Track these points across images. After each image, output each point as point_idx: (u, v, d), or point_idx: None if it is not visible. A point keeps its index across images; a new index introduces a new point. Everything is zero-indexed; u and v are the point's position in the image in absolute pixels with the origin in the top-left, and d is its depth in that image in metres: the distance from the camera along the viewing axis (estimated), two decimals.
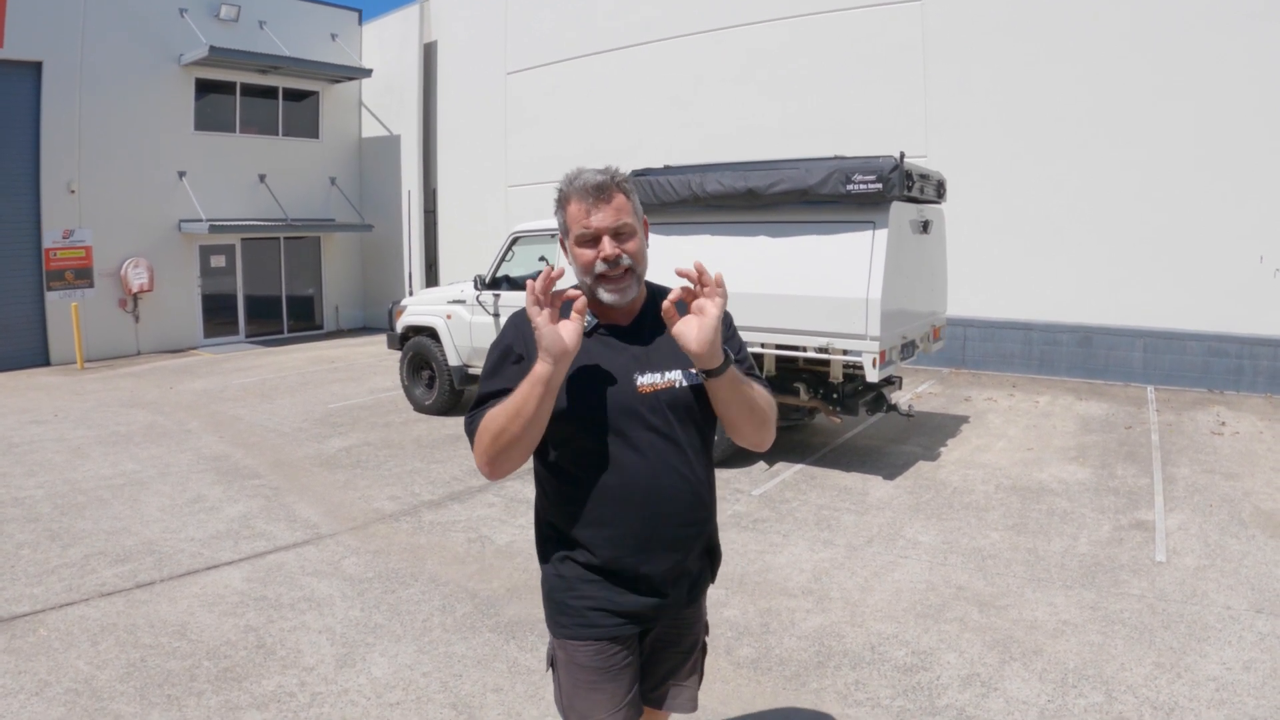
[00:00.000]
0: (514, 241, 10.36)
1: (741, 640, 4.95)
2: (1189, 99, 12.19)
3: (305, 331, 21.56)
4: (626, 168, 9.50)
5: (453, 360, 10.79)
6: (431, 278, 21.61)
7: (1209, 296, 12.27)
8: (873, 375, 7.67)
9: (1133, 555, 6.18)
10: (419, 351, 11.17)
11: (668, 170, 9.20)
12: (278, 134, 20.82)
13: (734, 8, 16.14)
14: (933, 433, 9.87)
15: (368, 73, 21.49)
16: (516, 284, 10.48)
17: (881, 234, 7.60)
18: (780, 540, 6.52)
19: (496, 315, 10.24)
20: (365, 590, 5.70)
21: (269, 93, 20.49)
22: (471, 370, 10.76)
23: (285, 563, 6.21)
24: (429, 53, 21.46)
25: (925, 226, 8.67)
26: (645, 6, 17.34)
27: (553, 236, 9.90)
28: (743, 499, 7.55)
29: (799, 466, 8.57)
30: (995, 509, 7.23)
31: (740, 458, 8.64)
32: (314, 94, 21.46)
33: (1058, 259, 13.36)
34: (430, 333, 11.09)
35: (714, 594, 5.49)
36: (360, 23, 22.49)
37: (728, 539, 6.59)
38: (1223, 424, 10.21)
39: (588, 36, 18.25)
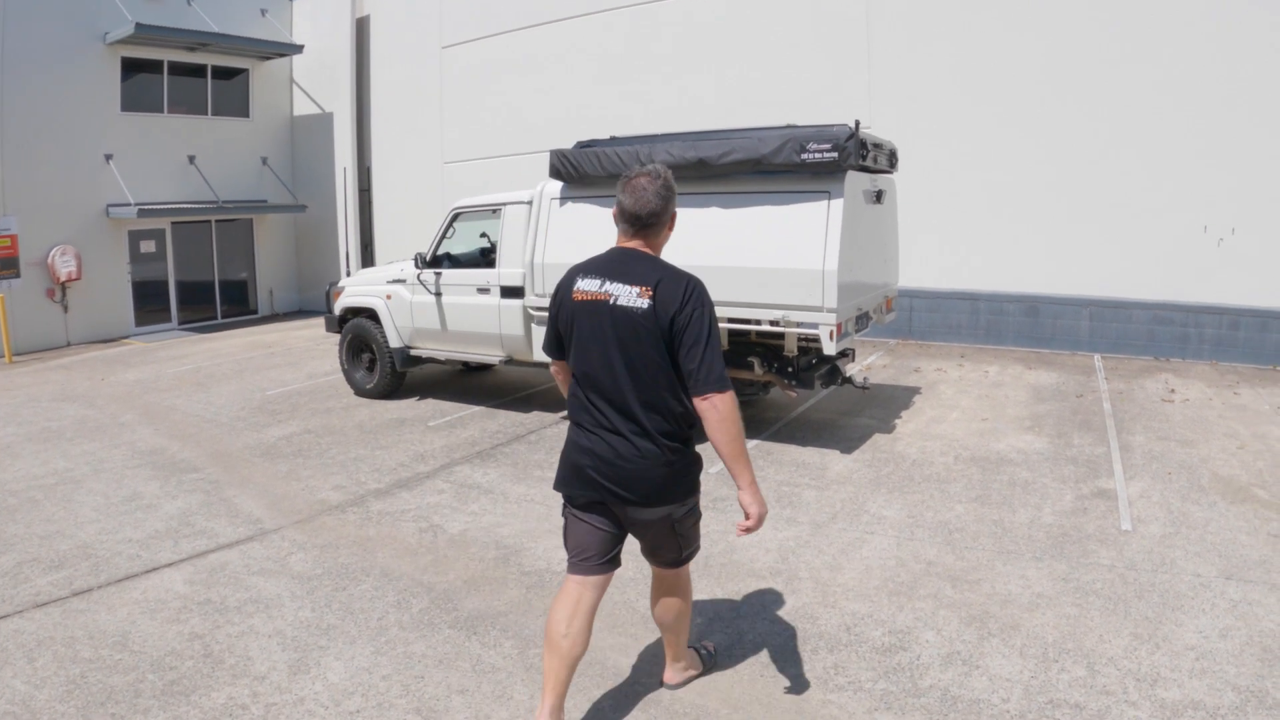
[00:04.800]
0: (454, 218, 10.04)
1: (713, 626, 4.76)
2: (1137, 67, 12.21)
3: (239, 316, 20.96)
4: (567, 141, 9.27)
5: (394, 342, 10.45)
6: (367, 258, 21.13)
7: (1154, 266, 12.36)
8: (830, 348, 7.52)
9: (1099, 525, 6.13)
10: (359, 334, 10.82)
11: (614, 141, 8.95)
12: (207, 113, 20.08)
13: None
14: (886, 405, 9.78)
15: (299, 49, 20.80)
16: (458, 261, 10.18)
17: (837, 204, 7.42)
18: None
19: (438, 294, 9.93)
20: (315, 588, 5.41)
21: (198, 71, 19.75)
22: (414, 351, 10.45)
23: (229, 562, 5.89)
24: (362, 27, 20.89)
25: (879, 196, 8.54)
26: None
27: (494, 212, 9.62)
28: (700, 476, 7.36)
29: (755, 442, 8.41)
30: (957, 481, 7.14)
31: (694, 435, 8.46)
32: (244, 72, 20.75)
33: (1003, 230, 13.37)
34: (370, 314, 10.74)
35: None
36: None
37: None
38: (1172, 391, 10.27)
39: (524, 8, 17.85)
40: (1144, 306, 12.56)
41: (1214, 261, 12.00)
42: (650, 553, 3.78)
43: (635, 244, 3.55)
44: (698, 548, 3.86)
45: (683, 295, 3.33)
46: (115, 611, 5.15)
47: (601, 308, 3.42)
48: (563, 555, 4.63)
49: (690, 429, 3.51)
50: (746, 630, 4.71)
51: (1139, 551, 5.66)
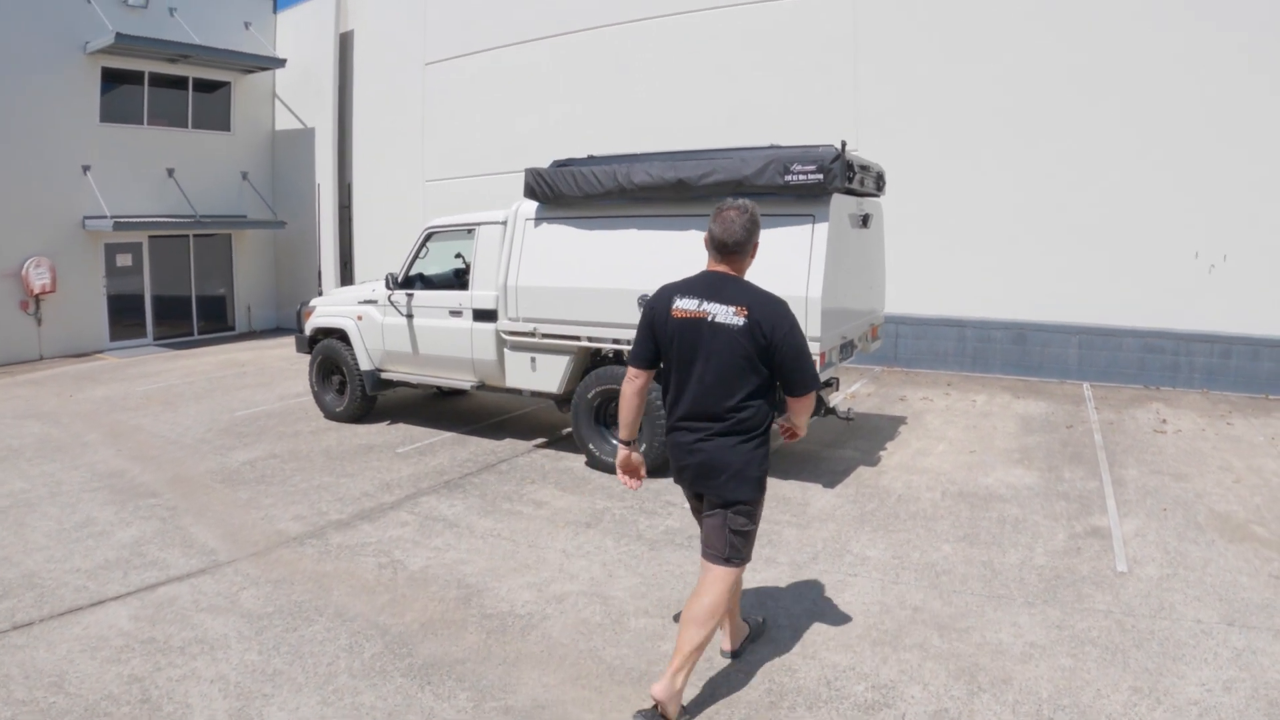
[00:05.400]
0: (428, 237, 9.72)
1: None
2: (1124, 95, 12.08)
3: (216, 333, 20.61)
4: (546, 160, 9.01)
5: (364, 364, 10.13)
6: (347, 276, 20.83)
7: (1144, 292, 12.17)
8: None
9: (1093, 566, 5.85)
10: (329, 355, 10.48)
11: (592, 160, 8.67)
12: (187, 126, 19.78)
13: None
14: (870, 435, 9.51)
15: (281, 63, 20.52)
16: (431, 282, 9.87)
17: (822, 228, 7.15)
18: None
19: (409, 316, 9.61)
20: (264, 629, 5.08)
21: (179, 83, 19.45)
22: (384, 375, 10.12)
23: (178, 596, 5.55)
24: (345, 42, 20.66)
25: (865, 220, 8.28)
26: None
27: (468, 232, 9.31)
28: (675, 512, 7.06)
29: None
30: (944, 518, 6.85)
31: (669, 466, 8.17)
32: (226, 85, 20.47)
33: (991, 255, 13.16)
34: (340, 335, 10.41)
35: (650, 627, 5.03)
36: (275, 10, 21.54)
37: (661, 556, 6.13)
38: (1164, 421, 10.04)
39: (508, 26, 17.66)
40: (1134, 334, 12.35)
41: (1205, 288, 11.82)
42: (705, 542, 4.16)
43: (723, 268, 4.04)
44: (745, 559, 4.16)
45: (777, 318, 3.87)
46: (55, 649, 4.82)
47: (700, 324, 3.94)
48: (526, 597, 4.52)
49: (766, 429, 4.06)
50: (719, 683, 4.40)
51: (1136, 595, 5.38)
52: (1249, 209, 11.46)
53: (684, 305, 4.00)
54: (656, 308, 4.11)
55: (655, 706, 3.91)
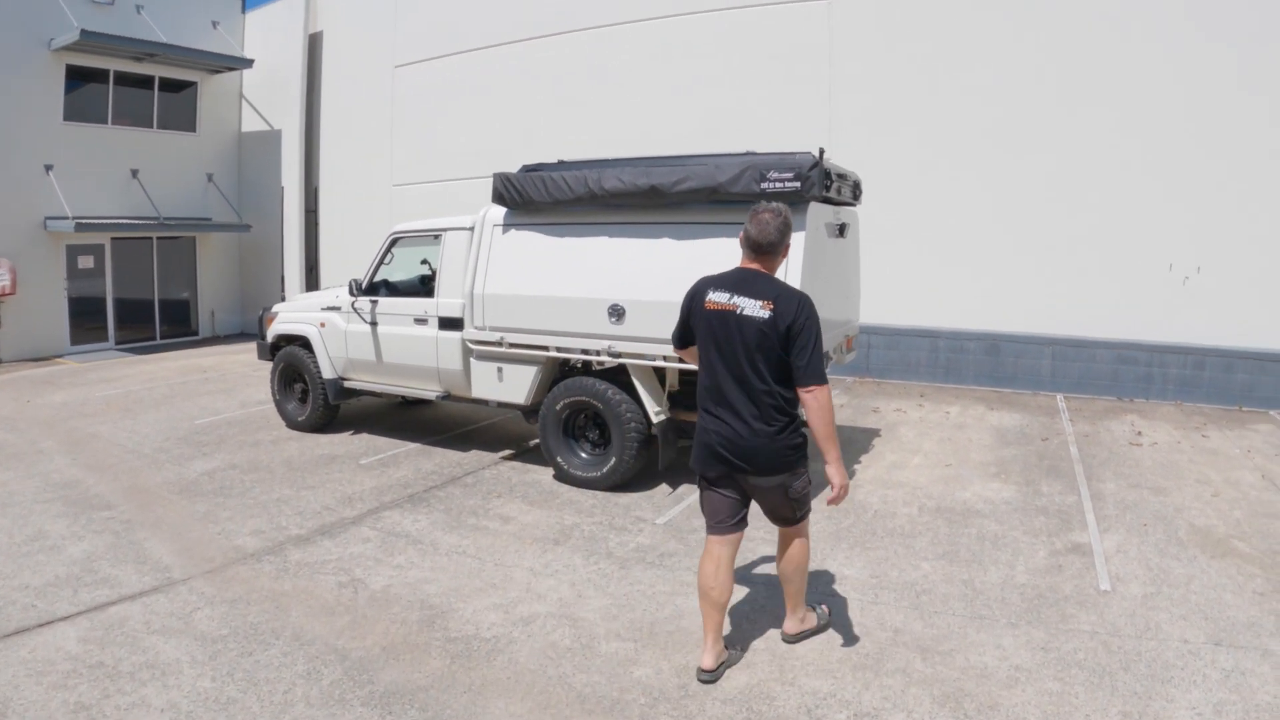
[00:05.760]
0: (393, 243, 9.45)
1: (657, 708, 4.24)
2: (1099, 107, 12.05)
3: (179, 338, 20.24)
4: (514, 166, 8.78)
5: (326, 372, 9.85)
6: (312, 281, 20.50)
7: (1118, 304, 12.12)
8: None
9: (1075, 584, 5.72)
10: (290, 363, 10.20)
11: (562, 165, 8.44)
12: (153, 126, 19.42)
13: (628, 3, 15.53)
14: (844, 448, 9.33)
15: (249, 63, 20.19)
16: (396, 289, 9.62)
17: (799, 237, 6.93)
18: (691, 579, 5.81)
19: (374, 324, 9.36)
20: (218, 653, 4.82)
21: (144, 82, 19.08)
22: (348, 383, 9.86)
23: (129, 617, 5.28)
24: (314, 43, 20.36)
25: (842, 230, 8.13)
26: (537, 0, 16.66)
27: (434, 238, 9.07)
28: (646, 529, 6.87)
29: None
30: (922, 535, 6.70)
31: (640, 481, 7.98)
32: (192, 85, 20.12)
33: (965, 266, 13.08)
34: (303, 342, 10.12)
35: (622, 651, 4.82)
36: (243, 10, 21.21)
37: (632, 575, 5.93)
38: (1139, 434, 9.96)
39: (479, 29, 17.42)
40: (1107, 346, 12.29)
41: (1179, 300, 11.79)
42: (770, 513, 4.66)
43: (756, 265, 4.41)
44: (809, 509, 4.70)
45: (796, 309, 4.22)
46: (0, 673, 4.56)
47: (730, 316, 4.29)
48: (492, 619, 5.00)
49: (795, 412, 4.37)
50: (695, 713, 4.19)
51: (1121, 615, 5.25)
52: (1223, 221, 11.44)
53: (716, 298, 4.36)
54: (694, 297, 4.50)
55: (786, 637, 4.87)
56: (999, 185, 12.77)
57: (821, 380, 4.25)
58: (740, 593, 5.54)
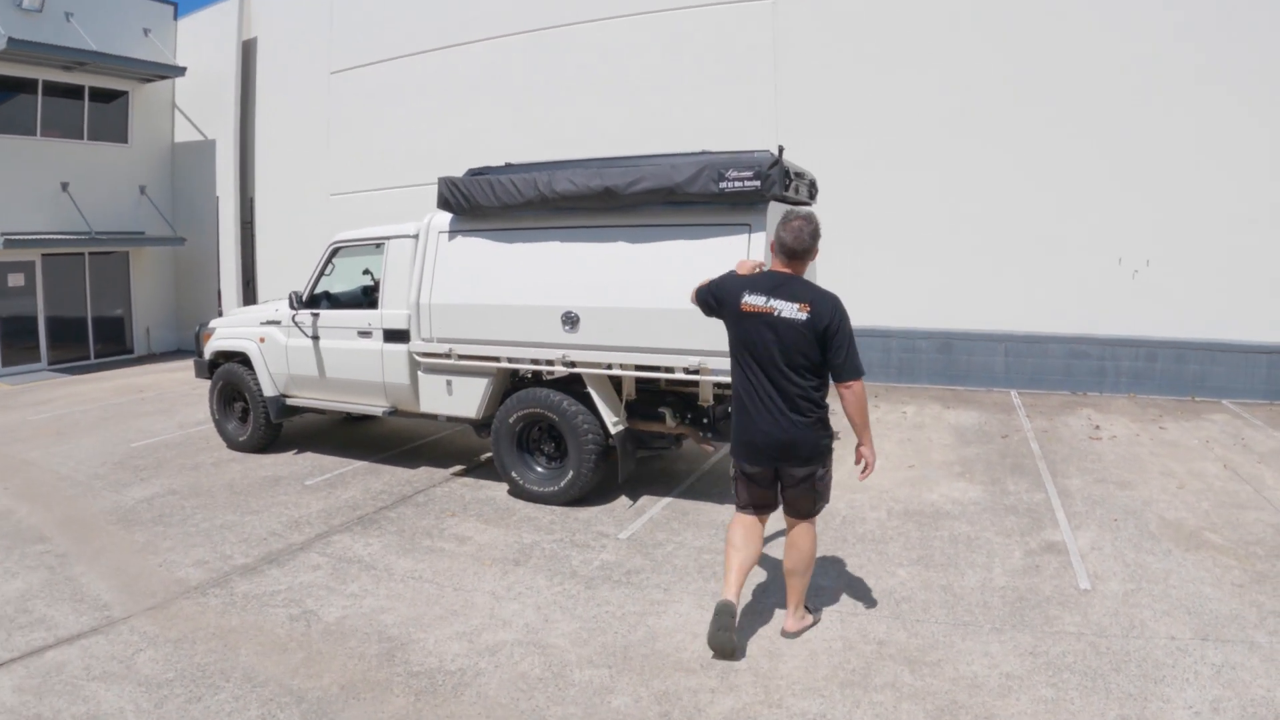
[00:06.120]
0: (333, 253, 9.05)
1: None
2: (1046, 103, 12.05)
3: (114, 356, 19.62)
4: (458, 170, 8.45)
5: (268, 390, 9.46)
6: (249, 295, 19.95)
7: (1069, 299, 12.15)
8: None
9: (1055, 585, 5.58)
10: (230, 380, 9.76)
11: (510, 168, 8.12)
12: (83, 137, 18.81)
13: (572, 4, 15.28)
14: None
15: (181, 71, 19.61)
16: (338, 301, 9.24)
17: (759, 238, 6.70)
18: (662, 597, 5.59)
19: (315, 338, 8.99)
20: (164, 699, 4.44)
21: (74, 92, 18.48)
22: (290, 401, 9.47)
23: (67, 662, 4.87)
24: (248, 50, 19.83)
25: None
26: (478, 2, 16.31)
27: (377, 246, 8.72)
28: (609, 544, 6.61)
29: (666, 500, 7.68)
30: (894, 540, 6.52)
31: (598, 494, 7.71)
32: (123, 94, 19.52)
33: (916, 265, 13.02)
34: (242, 358, 9.71)
35: (596, 679, 4.55)
36: (175, 17, 20.57)
37: (599, 595, 5.66)
38: (1097, 427, 9.93)
39: (417, 34, 17.06)
40: (1060, 341, 12.29)
41: (1129, 294, 11.82)
42: (789, 504, 4.85)
43: (788, 270, 4.69)
44: (826, 502, 4.94)
45: (832, 311, 4.54)
46: None
47: (768, 318, 4.58)
48: (456, 649, 4.89)
49: (825, 404, 4.67)
50: None
51: (1104, 614, 5.12)
52: (1173, 215, 11.49)
53: (753, 300, 4.63)
54: (726, 288, 4.80)
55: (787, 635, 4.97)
56: (949, 183, 12.72)
57: (859, 375, 4.58)
58: None
